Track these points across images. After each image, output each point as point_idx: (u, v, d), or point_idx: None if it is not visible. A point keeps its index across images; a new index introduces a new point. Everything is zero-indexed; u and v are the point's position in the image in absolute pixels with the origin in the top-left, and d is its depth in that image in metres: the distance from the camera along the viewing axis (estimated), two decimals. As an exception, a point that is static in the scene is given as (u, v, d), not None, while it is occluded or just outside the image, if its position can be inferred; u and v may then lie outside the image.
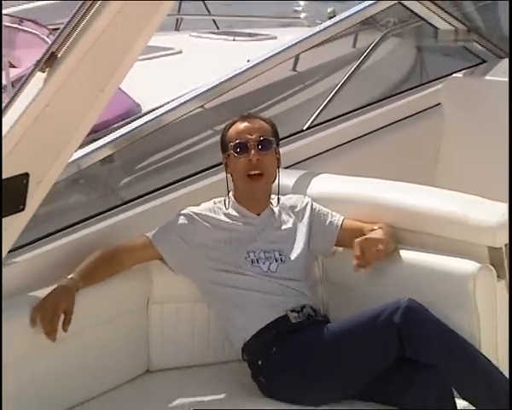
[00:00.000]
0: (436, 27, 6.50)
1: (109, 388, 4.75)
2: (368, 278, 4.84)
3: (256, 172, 4.79)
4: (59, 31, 4.22)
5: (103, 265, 4.77)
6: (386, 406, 4.49)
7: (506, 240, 4.75)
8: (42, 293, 4.56)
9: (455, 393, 4.52)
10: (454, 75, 6.40)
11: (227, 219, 4.90)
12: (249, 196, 4.89)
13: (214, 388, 4.74)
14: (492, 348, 4.68)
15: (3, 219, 4.48)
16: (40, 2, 8.75)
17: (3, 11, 7.39)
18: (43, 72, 4.22)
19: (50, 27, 7.26)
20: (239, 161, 4.79)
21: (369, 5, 6.19)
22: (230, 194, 4.95)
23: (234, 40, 9.12)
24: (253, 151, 4.78)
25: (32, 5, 8.60)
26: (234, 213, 4.90)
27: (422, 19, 6.51)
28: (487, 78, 6.37)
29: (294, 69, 6.32)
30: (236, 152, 4.80)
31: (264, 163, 4.81)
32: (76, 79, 4.27)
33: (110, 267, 4.81)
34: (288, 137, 5.59)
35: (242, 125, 4.88)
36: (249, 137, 4.83)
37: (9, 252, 4.50)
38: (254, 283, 4.74)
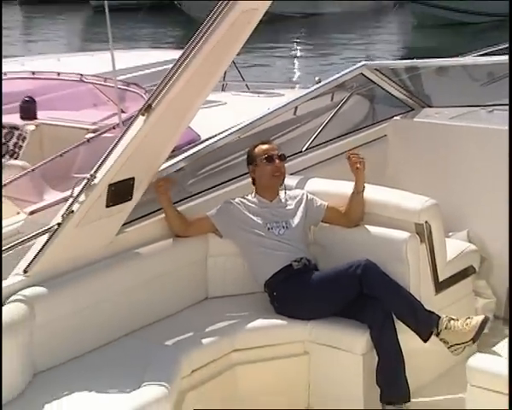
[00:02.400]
0: (387, 90, 6.75)
1: (182, 308, 5.19)
2: (340, 243, 5.31)
3: (278, 173, 5.35)
4: (153, 90, 4.79)
5: (184, 218, 5.27)
6: (352, 320, 4.93)
7: (426, 218, 5.18)
8: (143, 250, 5.11)
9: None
10: (395, 118, 6.66)
11: (253, 205, 5.35)
12: (271, 188, 5.38)
13: (249, 308, 5.16)
14: (417, 286, 5.09)
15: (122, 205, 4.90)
16: (139, 73, 9.00)
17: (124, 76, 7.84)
18: (143, 115, 4.66)
19: (146, 88, 7.65)
20: (267, 167, 5.34)
21: (341, 75, 6.51)
22: (254, 191, 5.43)
23: (258, 96, 9.57)
24: (277, 161, 5.33)
25: (134, 74, 8.80)
26: (256, 200, 5.38)
27: (376, 84, 6.74)
28: (415, 119, 6.60)
29: (295, 114, 6.59)
30: (266, 161, 5.32)
31: (282, 168, 5.38)
32: (163, 120, 4.73)
33: (185, 221, 5.27)
34: (292, 156, 6.02)
35: (266, 146, 5.41)
36: (273, 152, 5.36)
37: (123, 225, 5.04)
38: (269, 242, 5.24)
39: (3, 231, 6.29)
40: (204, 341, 4.78)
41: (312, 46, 27.06)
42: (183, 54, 4.57)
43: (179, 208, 5.37)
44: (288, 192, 5.44)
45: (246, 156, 5.54)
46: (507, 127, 6.02)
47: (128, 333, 4.84)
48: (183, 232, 5.27)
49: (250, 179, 5.51)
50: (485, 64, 7.14)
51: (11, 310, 4.32)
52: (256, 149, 5.41)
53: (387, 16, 31.95)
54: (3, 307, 4.34)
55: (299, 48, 26.23)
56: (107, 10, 6.59)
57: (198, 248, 5.34)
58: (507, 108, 6.38)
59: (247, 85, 10.52)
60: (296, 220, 5.32)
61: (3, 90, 8.41)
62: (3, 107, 8.25)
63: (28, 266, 4.58)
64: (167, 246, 5.22)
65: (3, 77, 8.59)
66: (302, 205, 5.38)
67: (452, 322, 4.79)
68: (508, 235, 5.74)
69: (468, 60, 7.26)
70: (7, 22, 33.33)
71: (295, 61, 25.03)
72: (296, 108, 6.61)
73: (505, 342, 4.56)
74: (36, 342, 4.39)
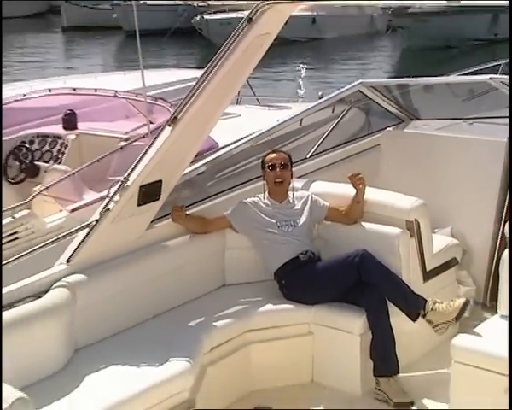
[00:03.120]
0: (380, 105, 6.69)
1: (202, 294, 5.19)
2: (341, 238, 5.25)
3: (279, 180, 5.32)
4: (178, 104, 4.82)
5: (202, 220, 5.28)
6: (351, 304, 4.91)
7: (415, 216, 5.15)
8: (169, 243, 5.12)
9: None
10: (387, 129, 6.61)
11: (265, 205, 5.33)
12: (276, 192, 5.34)
13: (261, 294, 5.13)
14: (407, 275, 5.06)
15: (151, 204, 4.90)
16: (165, 89, 8.95)
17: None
18: (170, 126, 4.70)
19: (171, 102, 7.66)
20: (270, 174, 5.33)
21: (341, 92, 6.52)
22: (266, 193, 5.38)
23: (269, 109, 9.57)
24: (278, 169, 5.31)
25: (161, 90, 8.76)
26: (268, 202, 5.36)
27: (371, 99, 6.67)
28: (405, 130, 6.56)
29: (300, 124, 6.55)
30: (269, 169, 5.33)
31: (283, 176, 5.33)
32: (187, 130, 4.77)
33: (203, 222, 5.29)
34: (299, 161, 5.99)
35: (272, 156, 5.38)
36: (276, 162, 5.32)
37: (152, 221, 5.04)
38: (279, 238, 5.21)
39: (49, 225, 6.46)
40: (222, 322, 4.79)
41: (315, 66, 27.05)
42: (204, 73, 4.64)
43: (201, 207, 5.40)
44: (295, 194, 5.41)
45: (259, 162, 5.50)
46: (485, 137, 6.14)
47: (156, 315, 4.85)
48: (202, 232, 5.28)
49: (261, 182, 5.47)
50: (466, 82, 7.18)
51: (55, 295, 4.38)
52: (266, 157, 5.41)
53: (381, 40, 31.90)
54: (49, 293, 4.37)
55: (303, 67, 26.19)
56: (137, 35, 6.62)
57: (216, 242, 5.33)
58: (485, 120, 6.57)
59: (258, 100, 10.51)
60: (302, 219, 5.29)
61: (49, 104, 8.57)
62: (50, 119, 8.39)
63: (71, 256, 4.62)
64: (189, 240, 5.21)
65: (49, 93, 8.70)
66: (307, 205, 5.35)
67: (437, 304, 4.79)
68: (487, 231, 5.82)
69: (451, 78, 7.36)
70: (51, 46, 33.61)
71: (300, 78, 24.99)
72: (302, 119, 6.59)
73: (485, 324, 4.64)
74: (77, 322, 4.43)
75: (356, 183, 5.18)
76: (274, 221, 5.27)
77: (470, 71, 7.44)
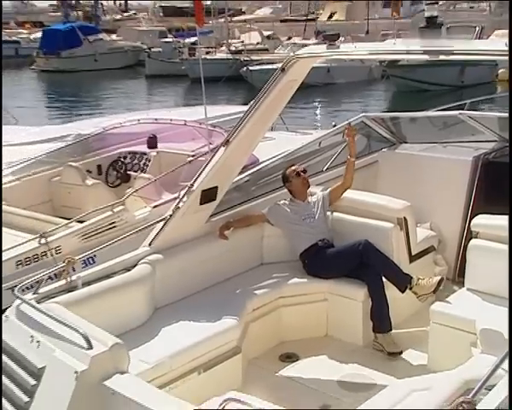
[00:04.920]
0: (378, 132, 6.57)
1: (246, 270, 5.11)
2: (348, 230, 5.18)
3: (306, 181, 5.26)
4: (230, 131, 4.78)
5: (244, 219, 5.20)
6: (356, 279, 4.85)
7: (404, 214, 5.09)
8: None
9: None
10: (383, 150, 6.50)
11: (291, 205, 5.26)
12: (303, 193, 5.26)
13: (289, 270, 5.07)
14: (397, 258, 4.99)
15: (210, 203, 4.86)
16: (220, 120, 8.86)
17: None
18: (224, 147, 4.68)
19: (224, 129, 7.55)
20: (298, 179, 5.24)
21: (348, 122, 6.16)
22: (291, 197, 5.30)
23: (295, 134, 9.46)
24: (302, 175, 5.25)
25: (217, 120, 8.64)
26: (293, 202, 5.29)
27: (371, 128, 6.53)
28: (396, 151, 6.44)
29: (319, 146, 6.39)
30: (296, 176, 5.23)
31: (306, 178, 5.29)
32: (237, 150, 4.72)
33: (247, 219, 5.21)
34: (317, 172, 5.94)
35: (294, 167, 5.29)
36: (299, 170, 5.25)
37: (210, 216, 5.00)
38: (303, 228, 5.15)
39: (137, 217, 6.45)
40: (260, 291, 4.78)
41: (329, 103, 26.97)
42: (249, 108, 4.65)
43: (246, 206, 5.32)
44: (312, 197, 5.34)
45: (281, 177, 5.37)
46: (455, 157, 6.06)
47: (212, 285, 4.83)
48: (247, 226, 5.20)
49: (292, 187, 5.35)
50: (441, 116, 7.08)
51: (141, 269, 4.40)
52: (288, 171, 5.30)
53: (377, 85, 31.66)
54: (136, 267, 4.38)
55: (320, 104, 26.14)
56: (202, 81, 6.74)
57: (257, 232, 5.27)
58: (455, 144, 6.42)
59: (287, 127, 10.36)
60: (320, 214, 5.23)
61: (137, 130, 8.57)
62: (138, 140, 8.41)
63: (152, 241, 4.62)
64: (237, 230, 5.14)
65: (137, 122, 8.74)
66: (321, 203, 5.27)
67: (420, 280, 4.77)
68: (456, 226, 5.76)
69: (430, 113, 7.21)
70: (138, 89, 33.96)
71: (318, 112, 24.96)
72: (320, 142, 6.50)
73: (455, 295, 4.66)
74: (156, 289, 4.45)
75: (349, 134, 5.18)
76: (298, 216, 5.21)
77: (444, 108, 7.34)
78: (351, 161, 5.28)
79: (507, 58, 3.62)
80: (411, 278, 4.80)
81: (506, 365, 2.69)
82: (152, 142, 8.28)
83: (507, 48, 3.64)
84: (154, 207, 6.58)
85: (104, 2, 62.17)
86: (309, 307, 4.92)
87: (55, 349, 3.19)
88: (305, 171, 5.33)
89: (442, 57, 4.07)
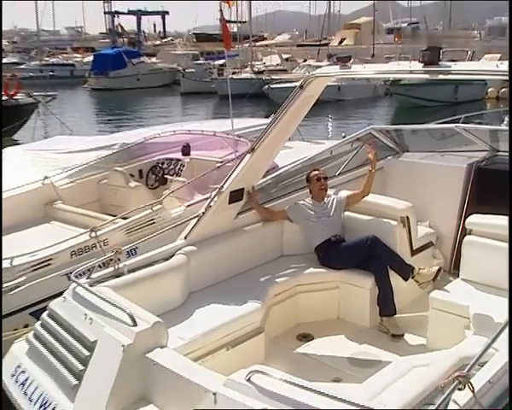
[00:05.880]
0: (383, 142, 6.46)
1: (267, 261, 5.09)
2: (358, 227, 5.12)
3: (323, 187, 5.23)
4: (254, 140, 4.73)
5: (269, 211, 5.20)
6: (364, 270, 4.78)
7: (406, 214, 5.05)
8: (248, 228, 5.04)
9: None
10: (388, 157, 6.44)
11: (309, 205, 5.24)
12: (320, 196, 5.22)
13: (306, 262, 5.03)
14: (401, 252, 4.94)
15: (237, 203, 4.83)
16: (244, 131, 8.68)
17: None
18: (249, 154, 4.65)
19: (249, 139, 7.44)
20: (317, 184, 5.22)
21: (358, 133, 6.39)
22: (310, 197, 5.29)
23: (310, 144, 9.32)
24: (322, 180, 5.23)
25: (242, 131, 8.47)
26: (312, 202, 5.27)
27: (378, 138, 6.38)
28: (400, 159, 6.40)
29: (331, 153, 6.26)
30: (316, 180, 5.22)
31: (325, 184, 5.25)
32: (260, 157, 4.70)
33: (271, 212, 5.20)
34: (330, 177, 5.77)
35: (316, 172, 5.28)
36: (321, 175, 5.24)
37: (237, 214, 4.96)
38: (319, 226, 5.13)
39: (173, 215, 6.41)
40: (280, 279, 4.76)
41: (340, 117, 26.78)
42: (271, 121, 4.65)
43: (268, 205, 5.29)
44: (328, 198, 5.31)
45: (304, 178, 5.41)
46: (451, 164, 6.01)
47: (238, 273, 4.80)
48: (270, 219, 5.20)
49: (307, 190, 5.37)
50: (439, 128, 7.00)
51: (177, 258, 4.39)
52: (311, 173, 5.31)
53: (381, 101, 31.48)
54: (173, 257, 4.37)
55: (332, 117, 26.02)
56: (230, 97, 6.75)
57: (277, 227, 5.25)
58: (451, 153, 6.34)
59: (303, 138, 10.28)
60: (334, 214, 5.20)
61: (173, 140, 8.53)
62: (174, 149, 8.37)
63: (187, 235, 4.62)
64: (260, 226, 5.15)
65: (173, 133, 8.72)
66: (335, 204, 5.24)
67: (421, 270, 4.74)
68: (452, 224, 5.71)
69: (429, 126, 7.14)
70: (174, 104, 34.06)
71: (330, 124, 24.86)
72: (332, 151, 6.44)
73: (451, 284, 4.59)
74: (190, 276, 4.44)
75: (370, 150, 5.11)
76: (315, 214, 5.19)
77: (441, 121, 7.26)
78: (372, 173, 5.22)
79: (496, 77, 3.74)
80: (413, 268, 4.75)
81: (496, 344, 2.71)
82: (186, 150, 8.27)
83: (497, 68, 3.69)
84: (188, 206, 6.55)
85: (146, 30, 63.36)
86: (323, 294, 4.88)
87: (105, 326, 3.25)
88: (326, 177, 5.27)
89: (441, 76, 4.01)
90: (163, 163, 8.32)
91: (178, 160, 8.24)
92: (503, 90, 28.13)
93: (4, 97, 16.49)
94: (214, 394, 2.67)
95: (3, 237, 6.07)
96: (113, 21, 55.08)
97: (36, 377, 3.38)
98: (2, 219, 5.83)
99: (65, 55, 51.66)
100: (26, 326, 4.70)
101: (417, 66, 4.00)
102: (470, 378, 2.46)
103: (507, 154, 5.72)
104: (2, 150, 8.46)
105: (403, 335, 4.58)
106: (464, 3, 63.44)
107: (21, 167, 7.82)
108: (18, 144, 12.43)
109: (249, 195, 4.94)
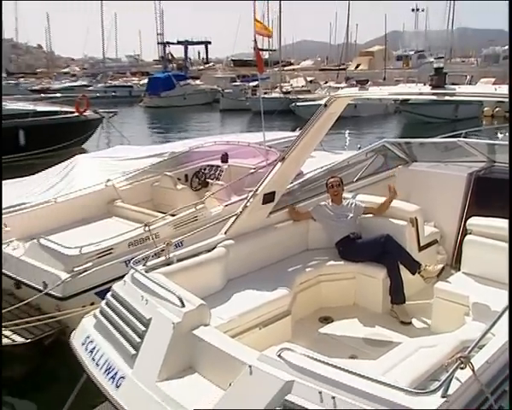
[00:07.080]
0: (395, 153, 6.36)
1: (294, 253, 5.01)
2: (373, 226, 5.04)
3: (335, 193, 5.11)
4: (285, 150, 4.69)
5: (298, 213, 5.16)
6: (378, 263, 4.69)
7: (415, 215, 4.96)
8: (278, 225, 4.96)
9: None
10: (399, 166, 6.29)
11: (330, 207, 5.16)
12: (335, 200, 5.12)
13: (328, 255, 4.95)
14: (410, 248, 4.86)
15: (269, 203, 4.75)
16: (274, 142, 8.56)
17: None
18: (280, 162, 4.57)
19: (279, 149, 7.42)
20: (331, 190, 5.14)
21: (372, 145, 6.29)
22: (330, 200, 5.19)
23: (331, 154, 9.03)
24: (334, 187, 5.13)
25: (272, 142, 8.35)
26: (331, 205, 5.18)
27: (390, 149, 6.32)
28: (409, 168, 6.22)
29: (348, 163, 6.15)
30: (330, 187, 5.14)
31: (337, 191, 5.12)
32: (291, 165, 4.64)
33: (299, 213, 5.15)
34: (349, 183, 5.73)
35: (331, 179, 5.18)
36: (334, 183, 5.14)
37: (269, 213, 4.89)
38: (339, 224, 5.03)
39: (213, 213, 6.37)
40: (305, 269, 4.71)
41: (356, 131, 26.46)
42: (299, 134, 4.59)
43: (295, 206, 5.21)
44: (347, 201, 5.21)
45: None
46: (454, 173, 5.87)
47: (270, 264, 4.76)
48: (298, 219, 5.13)
49: (327, 194, 5.26)
50: (443, 142, 6.88)
51: (218, 251, 4.38)
52: (328, 181, 5.21)
53: (392, 118, 31.07)
54: (215, 249, 4.34)
55: (349, 131, 25.77)
56: (262, 113, 6.75)
57: (304, 226, 5.18)
58: (454, 163, 6.18)
59: (324, 149, 9.93)
60: (350, 215, 5.10)
61: (214, 149, 8.49)
62: (214, 157, 8.34)
63: (226, 230, 4.60)
64: (289, 224, 5.10)
65: (214, 143, 8.70)
66: (354, 209, 5.12)
67: (427, 266, 4.65)
68: (454, 224, 5.59)
69: (434, 140, 7.00)
70: (214, 120, 34.21)
71: (347, 137, 24.60)
72: (349, 160, 6.35)
73: (452, 277, 4.50)
74: (229, 265, 4.42)
75: (393, 191, 5.03)
76: (335, 215, 5.11)
77: (444, 136, 7.15)
78: (388, 202, 5.08)
79: (495, 99, 3.61)
80: (420, 264, 4.67)
81: (493, 330, 2.68)
82: (224, 158, 8.26)
83: (495, 91, 3.67)
84: (225, 206, 6.53)
85: (191, 57, 64.24)
86: (341, 283, 4.81)
87: (158, 306, 3.29)
88: (339, 184, 5.13)
89: (447, 98, 3.94)
90: (205, 169, 8.33)
91: (218, 166, 8.23)
92: (497, 109, 28.16)
93: (76, 114, 17.24)
94: (250, 366, 2.67)
95: (73, 230, 6.33)
96: (164, 50, 56.86)
97: (102, 346, 3.43)
98: (2, 220, 5.81)
99: (125, 78, 52.70)
100: (91, 304, 4.78)
101: (426, 88, 3.94)
102: (471, 359, 2.44)
103: (503, 164, 5.67)
104: (76, 157, 8.65)
105: (410, 322, 4.48)
106: (463, 34, 63.88)
107: (90, 171, 8.02)
108: (86, 152, 12.79)
109: (289, 210, 4.98)
